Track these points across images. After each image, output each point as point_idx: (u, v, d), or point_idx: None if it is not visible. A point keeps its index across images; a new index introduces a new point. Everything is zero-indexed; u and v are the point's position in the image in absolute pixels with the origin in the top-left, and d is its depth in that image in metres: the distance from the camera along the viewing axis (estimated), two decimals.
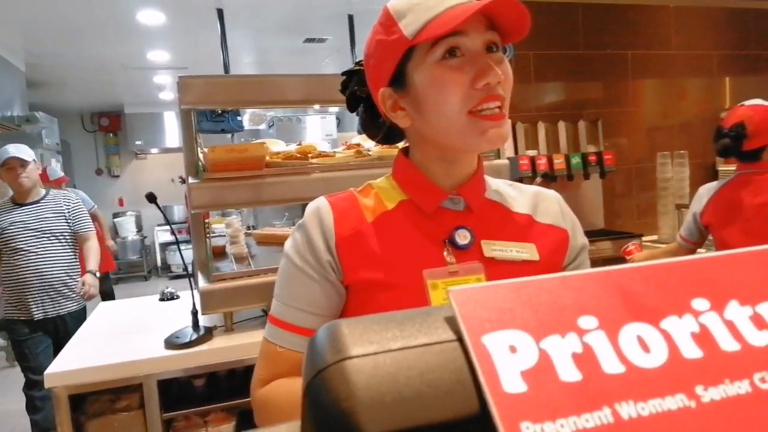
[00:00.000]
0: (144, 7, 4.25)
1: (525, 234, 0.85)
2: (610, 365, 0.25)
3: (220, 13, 4.08)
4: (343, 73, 0.92)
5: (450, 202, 0.84)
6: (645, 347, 0.26)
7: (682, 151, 3.24)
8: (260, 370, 0.85)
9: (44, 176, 4.07)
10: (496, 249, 0.82)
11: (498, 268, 0.80)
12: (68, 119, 8.44)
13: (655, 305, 0.28)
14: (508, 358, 0.25)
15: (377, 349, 0.26)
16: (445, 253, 0.80)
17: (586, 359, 0.26)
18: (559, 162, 3.01)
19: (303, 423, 0.27)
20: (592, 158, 3.06)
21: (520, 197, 0.90)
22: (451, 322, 0.27)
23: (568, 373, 0.25)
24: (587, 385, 0.25)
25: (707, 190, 2.25)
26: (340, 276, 0.82)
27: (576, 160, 3.04)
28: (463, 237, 0.81)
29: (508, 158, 2.96)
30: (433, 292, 0.78)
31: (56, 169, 5.18)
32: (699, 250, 2.35)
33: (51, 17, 4.32)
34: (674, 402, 0.25)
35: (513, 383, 0.24)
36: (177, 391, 2.04)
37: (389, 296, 0.79)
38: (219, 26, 4.09)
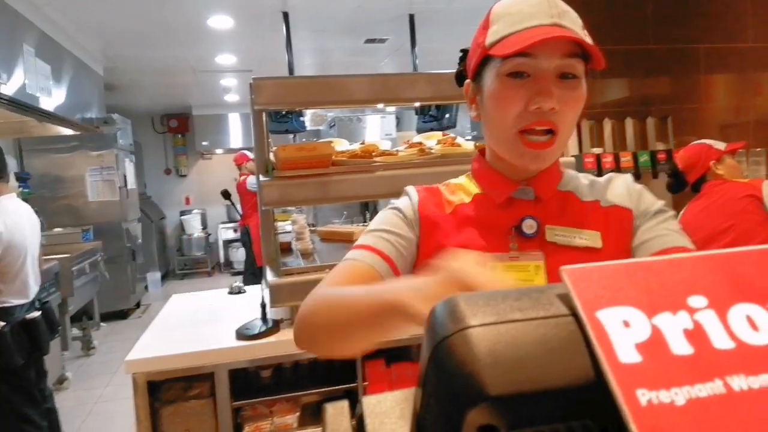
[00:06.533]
0: (215, 13, 4.43)
1: (591, 221, 0.85)
2: (720, 341, 0.27)
3: (286, 16, 4.20)
4: (461, 50, 0.96)
5: (521, 192, 0.87)
6: (754, 326, 0.28)
7: (758, 149, 3.09)
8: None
9: None
10: (558, 234, 0.83)
11: (558, 255, 0.82)
12: (140, 121, 8.86)
13: (763, 287, 0.29)
14: (622, 332, 0.27)
15: (497, 320, 0.28)
16: (510, 241, 0.84)
17: (696, 335, 0.27)
18: (626, 160, 2.93)
19: (424, 386, 0.29)
20: (662, 156, 2.97)
21: (593, 186, 0.91)
22: (564, 299, 0.29)
23: (680, 346, 0.27)
24: (699, 358, 0.26)
25: None
26: (416, 248, 0.87)
27: (644, 158, 2.96)
28: (529, 227, 0.84)
29: (573, 156, 2.91)
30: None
31: None
32: None
33: (128, 24, 4.57)
34: None
35: (628, 354, 0.26)
36: (244, 382, 2.12)
37: None
38: (284, 29, 4.20)
